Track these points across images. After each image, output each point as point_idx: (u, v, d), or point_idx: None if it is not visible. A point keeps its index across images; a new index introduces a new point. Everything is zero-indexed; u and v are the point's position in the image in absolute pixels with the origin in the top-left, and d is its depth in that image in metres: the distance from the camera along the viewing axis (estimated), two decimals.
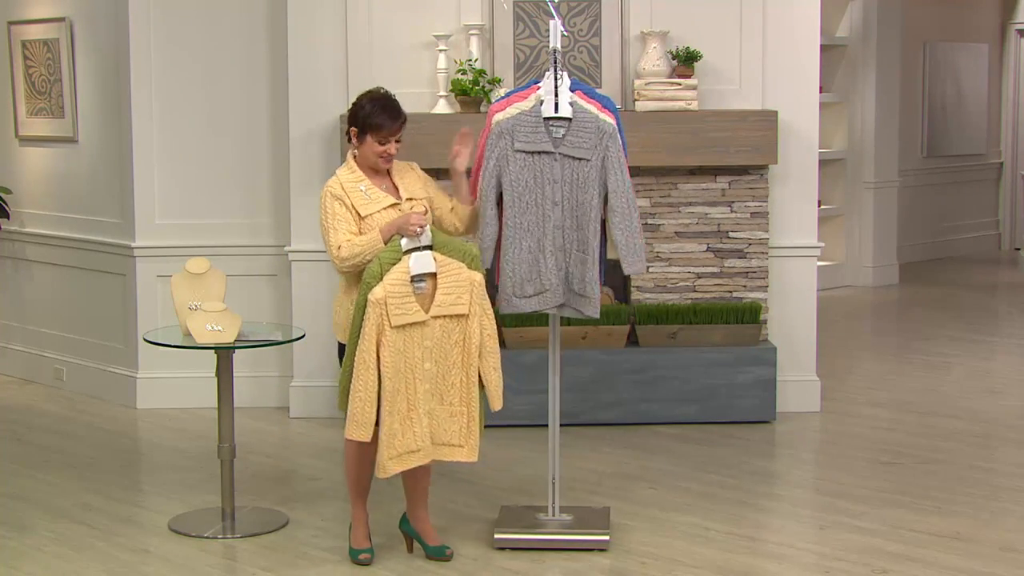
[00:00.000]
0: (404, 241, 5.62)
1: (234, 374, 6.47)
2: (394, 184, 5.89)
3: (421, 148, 7.86)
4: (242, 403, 7.35)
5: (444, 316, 5.67)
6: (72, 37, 8.94)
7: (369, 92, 5.89)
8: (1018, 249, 15.64)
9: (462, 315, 5.68)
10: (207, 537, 6.32)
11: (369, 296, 5.57)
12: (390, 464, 5.67)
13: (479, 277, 5.73)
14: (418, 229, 5.63)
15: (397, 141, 5.84)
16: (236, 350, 6.40)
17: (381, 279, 5.58)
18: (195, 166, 8.64)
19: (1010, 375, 9.68)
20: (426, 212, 5.84)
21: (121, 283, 8.80)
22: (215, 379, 6.44)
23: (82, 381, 9.17)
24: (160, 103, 8.57)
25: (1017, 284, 13.71)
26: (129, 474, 7.48)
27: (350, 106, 5.89)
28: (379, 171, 5.89)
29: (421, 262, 5.64)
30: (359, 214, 5.76)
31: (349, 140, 5.89)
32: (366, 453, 5.90)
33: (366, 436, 5.67)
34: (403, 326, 5.60)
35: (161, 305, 8.42)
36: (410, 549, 6.04)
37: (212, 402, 6.61)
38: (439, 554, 5.93)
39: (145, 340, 6.55)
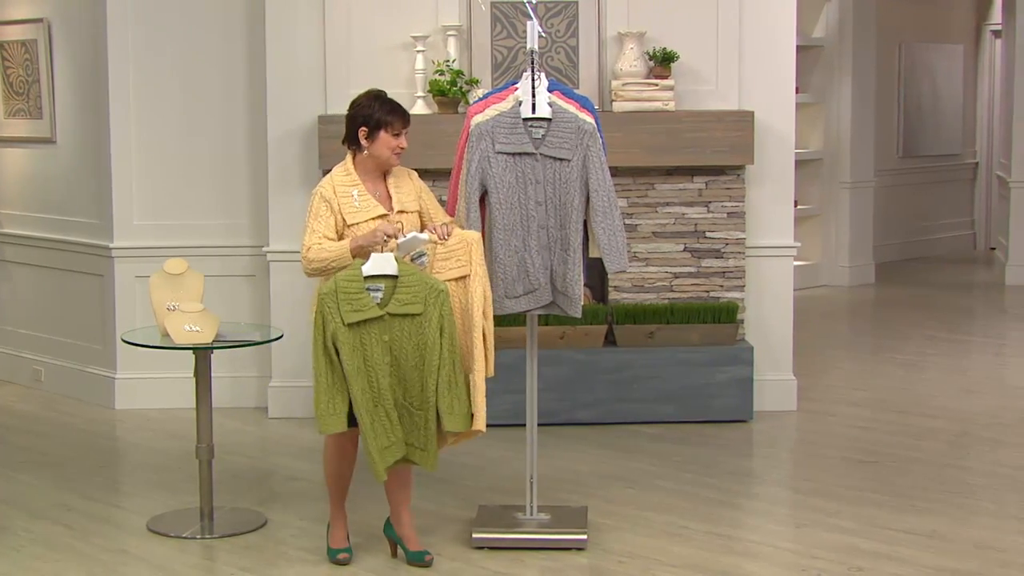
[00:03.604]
0: (366, 266, 5.61)
1: (212, 374, 6.48)
2: (388, 192, 5.91)
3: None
4: (220, 403, 7.36)
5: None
6: (50, 38, 8.94)
7: (368, 93, 5.93)
8: (993, 249, 15.71)
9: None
10: (185, 537, 6.33)
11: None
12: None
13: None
14: (386, 237, 5.64)
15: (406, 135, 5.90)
16: (214, 350, 6.41)
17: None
18: (173, 167, 8.64)
19: (985, 374, 9.73)
20: (402, 227, 5.80)
21: (99, 284, 8.80)
22: (193, 380, 6.44)
23: (60, 382, 9.17)
24: (138, 104, 8.57)
25: (992, 283, 13.77)
26: (107, 474, 7.48)
27: (350, 110, 5.89)
28: (377, 175, 5.90)
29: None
30: (346, 221, 5.77)
31: (352, 144, 5.89)
32: (345, 452, 5.94)
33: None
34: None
35: (139, 306, 8.41)
36: (394, 554, 6.03)
37: (190, 402, 6.60)
38: (419, 559, 5.92)
39: (123, 341, 6.56)
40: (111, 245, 8.64)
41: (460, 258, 5.79)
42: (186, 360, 6.58)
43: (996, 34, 15.87)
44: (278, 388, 8.48)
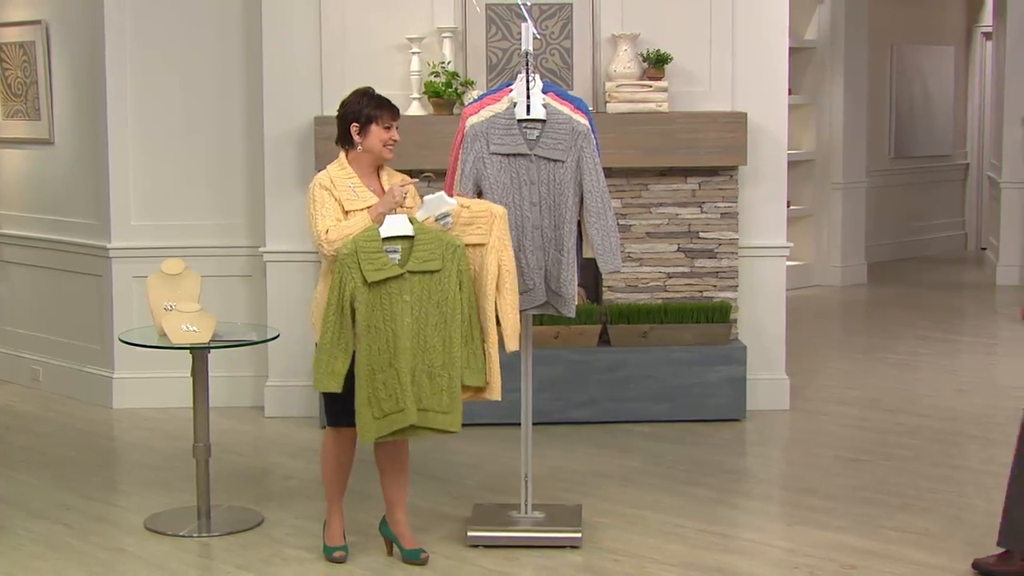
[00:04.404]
0: (382, 228, 5.67)
1: (209, 374, 6.51)
2: (382, 188, 5.94)
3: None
4: (217, 403, 7.37)
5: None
6: (48, 40, 8.97)
7: (355, 91, 5.98)
8: (984, 249, 15.75)
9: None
10: (183, 536, 6.35)
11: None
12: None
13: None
14: (404, 195, 5.72)
15: (397, 128, 5.95)
16: (211, 350, 6.43)
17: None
18: (170, 167, 8.67)
19: (976, 373, 9.77)
20: (411, 184, 5.87)
21: (97, 284, 8.83)
22: (190, 379, 6.47)
23: (58, 381, 9.20)
24: (135, 105, 8.60)
25: (983, 283, 13.81)
26: (105, 473, 7.51)
27: (339, 110, 5.94)
28: (371, 171, 5.94)
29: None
30: (343, 209, 5.81)
31: (345, 142, 5.94)
32: (344, 450, 5.97)
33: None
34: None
35: (137, 306, 8.43)
36: (390, 552, 6.06)
37: (188, 402, 6.63)
38: (414, 557, 5.95)
39: (121, 340, 6.58)
40: (109, 245, 8.66)
41: (481, 226, 5.82)
42: (183, 360, 6.60)
43: (987, 36, 15.91)
44: (274, 387, 8.51)
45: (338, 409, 5.86)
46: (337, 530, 6.05)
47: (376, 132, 5.87)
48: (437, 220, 5.79)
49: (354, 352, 5.71)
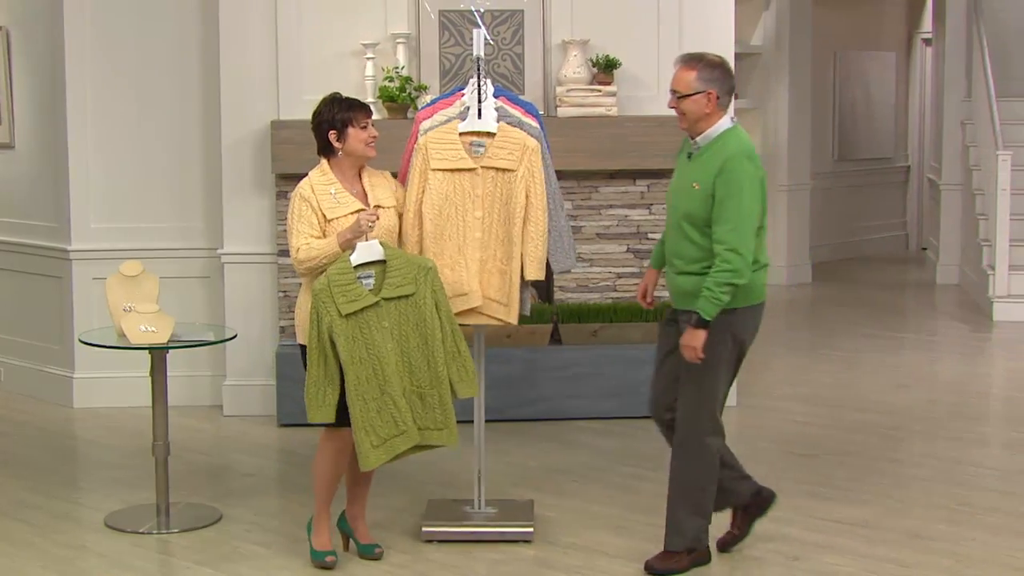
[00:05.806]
0: (353, 256, 5.71)
1: (168, 374, 6.56)
2: (364, 190, 5.97)
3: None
4: (176, 402, 7.36)
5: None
6: (8, 45, 8.99)
7: (323, 100, 5.97)
8: (924, 249, 15.95)
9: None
10: (142, 533, 6.41)
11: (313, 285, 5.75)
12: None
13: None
14: (369, 224, 5.72)
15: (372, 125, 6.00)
16: (169, 350, 6.49)
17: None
18: (129, 171, 8.70)
19: (917, 370, 9.93)
20: (377, 216, 5.83)
21: (57, 285, 8.85)
22: (149, 379, 6.53)
23: (19, 381, 9.21)
24: (95, 109, 8.64)
25: (923, 283, 13.98)
26: (66, 472, 7.55)
27: (313, 121, 5.95)
28: (353, 175, 5.96)
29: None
30: (325, 217, 5.83)
31: (326, 151, 5.94)
32: (345, 454, 5.91)
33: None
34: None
35: (96, 307, 8.40)
36: (346, 547, 6.12)
37: (147, 401, 6.65)
38: (369, 552, 6.03)
39: (81, 341, 6.64)
40: (69, 248, 8.69)
41: (513, 153, 6.08)
42: (142, 360, 6.66)
43: (927, 42, 16.08)
44: (232, 386, 8.57)
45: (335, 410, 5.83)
46: (326, 534, 6.01)
47: (354, 134, 5.89)
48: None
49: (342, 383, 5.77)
